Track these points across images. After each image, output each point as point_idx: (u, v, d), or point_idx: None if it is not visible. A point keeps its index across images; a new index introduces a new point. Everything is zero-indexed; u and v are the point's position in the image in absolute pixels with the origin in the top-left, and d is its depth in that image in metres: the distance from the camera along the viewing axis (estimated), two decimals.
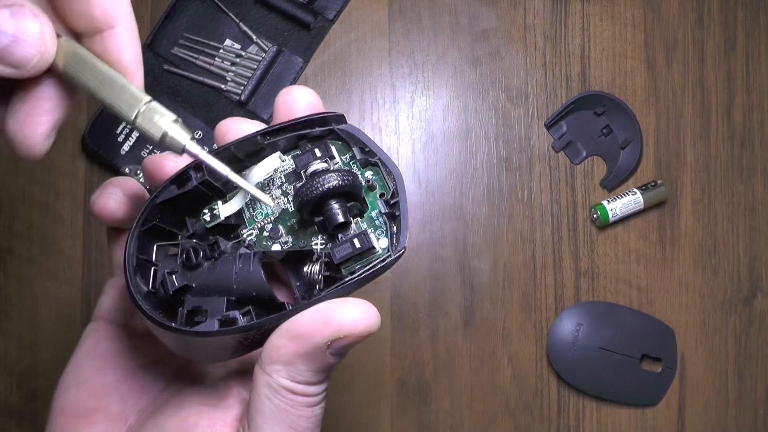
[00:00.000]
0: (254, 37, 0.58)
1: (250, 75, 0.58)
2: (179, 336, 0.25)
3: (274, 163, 0.27)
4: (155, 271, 0.27)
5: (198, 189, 0.27)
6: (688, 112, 0.60)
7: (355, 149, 0.28)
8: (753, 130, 0.60)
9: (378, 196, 0.28)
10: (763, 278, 0.59)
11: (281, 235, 0.28)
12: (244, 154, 0.28)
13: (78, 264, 0.56)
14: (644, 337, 0.57)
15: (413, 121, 0.59)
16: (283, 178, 0.28)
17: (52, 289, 0.56)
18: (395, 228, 0.27)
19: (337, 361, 0.26)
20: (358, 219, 0.27)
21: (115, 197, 0.29)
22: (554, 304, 0.58)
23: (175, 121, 0.25)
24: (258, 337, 0.26)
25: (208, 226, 0.27)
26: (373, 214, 0.28)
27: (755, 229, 0.59)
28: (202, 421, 0.28)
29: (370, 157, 0.28)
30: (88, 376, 0.30)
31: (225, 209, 0.28)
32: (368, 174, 0.28)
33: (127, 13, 0.24)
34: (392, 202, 0.27)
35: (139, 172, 0.56)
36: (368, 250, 0.27)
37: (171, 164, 0.28)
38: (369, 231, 0.27)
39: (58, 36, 0.23)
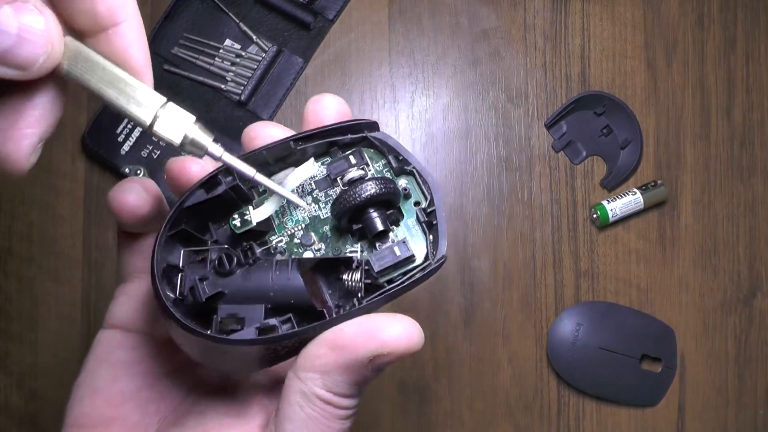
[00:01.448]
0: (254, 37, 0.58)
1: (250, 75, 0.58)
2: (213, 345, 0.24)
3: (311, 170, 0.27)
4: (182, 278, 0.26)
5: (227, 194, 0.26)
6: (688, 112, 0.60)
7: (390, 157, 0.28)
8: (753, 130, 0.60)
9: (413, 204, 0.28)
10: (763, 278, 0.59)
11: (313, 242, 0.27)
12: (273, 159, 0.27)
13: (78, 264, 0.56)
14: (644, 337, 0.57)
15: (413, 121, 0.59)
16: (313, 184, 0.28)
17: (52, 289, 0.56)
18: (431, 237, 0.27)
19: (375, 376, 0.25)
20: (394, 227, 0.27)
21: (135, 193, 0.27)
22: (554, 304, 0.58)
23: (195, 122, 0.24)
24: (296, 346, 0.25)
25: (239, 231, 0.26)
26: (409, 222, 0.28)
27: (755, 229, 0.59)
28: (225, 431, 0.27)
29: (405, 166, 0.28)
30: (103, 385, 0.29)
31: (257, 214, 0.27)
32: (402, 182, 0.28)
33: (132, 9, 0.22)
34: (429, 210, 0.27)
35: (139, 172, 0.56)
36: (408, 258, 0.26)
37: (196, 167, 0.27)
38: (408, 239, 0.27)
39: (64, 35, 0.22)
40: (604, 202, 0.57)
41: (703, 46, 0.60)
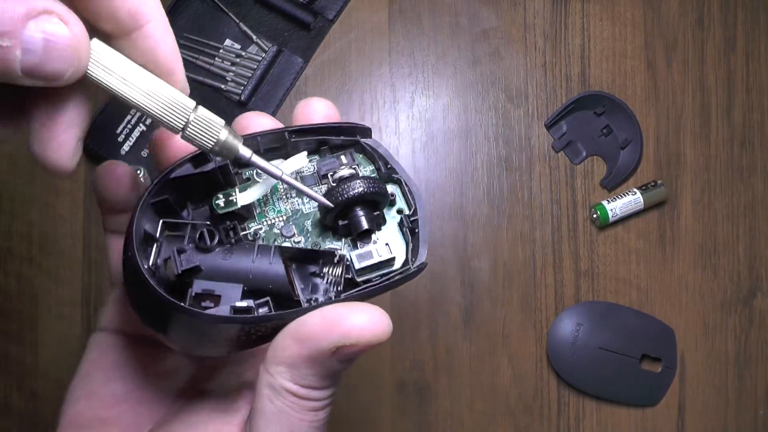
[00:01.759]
0: (254, 37, 0.58)
1: (250, 75, 0.58)
2: (184, 320, 0.24)
3: (302, 162, 0.27)
4: (158, 248, 0.25)
5: (214, 173, 0.26)
6: (688, 112, 0.60)
7: (379, 163, 0.29)
8: (753, 130, 0.60)
9: (397, 212, 0.28)
10: (763, 278, 0.59)
11: (293, 234, 0.28)
12: (264, 149, 0.28)
13: (78, 264, 0.56)
14: (644, 337, 0.57)
15: (413, 121, 0.59)
16: (301, 180, 0.28)
17: (52, 289, 0.56)
18: (412, 245, 0.27)
19: (344, 368, 0.25)
20: (377, 231, 0.28)
21: (121, 166, 0.28)
22: (554, 304, 0.58)
23: (225, 126, 0.23)
24: (268, 332, 0.25)
25: (221, 212, 0.27)
26: (392, 228, 0.28)
27: (755, 229, 0.59)
28: (209, 427, 0.27)
29: (393, 174, 0.28)
30: (97, 387, 0.29)
31: (243, 197, 0.27)
32: (389, 189, 0.28)
33: (156, 10, 0.21)
34: (412, 219, 0.27)
35: (139, 172, 0.56)
36: (388, 260, 0.27)
37: (180, 141, 0.27)
38: (389, 243, 0.27)
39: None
40: (604, 202, 0.57)
41: (703, 46, 0.60)
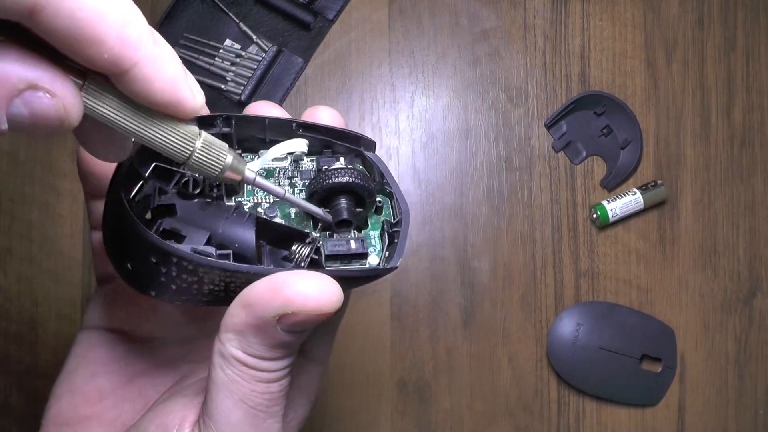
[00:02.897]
0: (254, 37, 0.58)
1: (250, 75, 0.58)
2: (146, 248, 0.23)
3: (300, 146, 0.28)
4: (142, 185, 0.26)
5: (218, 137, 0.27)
6: (688, 112, 0.60)
7: (376, 174, 0.29)
8: (753, 130, 0.60)
9: (381, 221, 0.29)
10: (763, 278, 0.59)
11: (276, 216, 0.28)
12: (269, 138, 0.28)
13: (78, 264, 0.56)
14: (644, 337, 0.57)
15: (413, 121, 0.59)
16: (297, 173, 0.29)
17: (52, 289, 0.56)
18: (388, 252, 0.28)
19: (292, 339, 0.24)
20: (355, 232, 0.28)
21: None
22: (554, 304, 0.58)
23: (229, 149, 0.23)
24: (222, 291, 0.24)
25: None
26: (373, 234, 0.29)
27: (755, 229, 0.59)
28: (173, 413, 0.27)
29: (386, 187, 0.29)
30: (80, 384, 0.29)
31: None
32: (379, 198, 0.29)
33: (141, 49, 0.19)
34: (394, 230, 0.28)
35: None
36: (360, 255, 0.27)
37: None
38: (366, 241, 0.28)
39: (82, 84, 0.20)
40: (604, 202, 0.57)
41: (703, 46, 0.60)
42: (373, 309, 0.56)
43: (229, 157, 0.23)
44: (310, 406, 0.30)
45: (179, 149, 0.22)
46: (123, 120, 0.21)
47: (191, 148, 0.22)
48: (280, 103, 0.58)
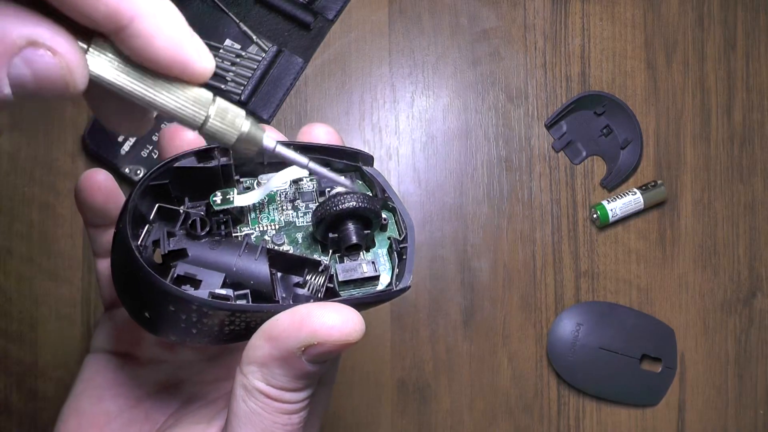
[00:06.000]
0: (254, 37, 0.58)
1: (250, 75, 0.58)
2: (162, 297, 0.23)
3: (302, 172, 0.27)
4: (149, 229, 0.25)
5: (216, 170, 0.26)
6: (688, 112, 0.60)
7: (377, 190, 0.29)
8: (753, 130, 0.60)
9: (387, 238, 0.29)
10: (763, 278, 0.59)
11: (283, 243, 0.28)
12: (267, 161, 0.28)
13: (78, 264, 0.56)
14: (644, 337, 0.57)
15: (413, 121, 0.59)
16: (298, 194, 0.29)
17: (52, 289, 0.56)
18: (398, 270, 0.28)
19: (317, 369, 0.24)
20: (364, 252, 0.28)
21: (103, 173, 0.28)
22: (554, 304, 0.58)
23: (247, 116, 0.22)
24: (243, 327, 0.25)
25: (217, 208, 0.27)
26: (381, 252, 0.29)
27: (755, 229, 0.59)
28: None
29: (388, 202, 0.29)
30: (87, 406, 0.29)
31: (241, 199, 0.27)
32: (384, 215, 0.29)
33: (140, 3, 0.18)
34: (401, 246, 0.28)
35: (139, 172, 0.56)
36: (373, 278, 0.27)
37: (191, 135, 0.27)
38: (376, 263, 0.28)
39: (86, 49, 0.19)
40: (604, 202, 0.57)
41: (703, 46, 0.60)
42: (373, 309, 0.56)
43: (246, 123, 0.22)
44: (319, 426, 0.30)
45: (192, 115, 0.21)
46: (131, 85, 0.20)
47: (204, 113, 0.21)
48: (280, 103, 0.58)
